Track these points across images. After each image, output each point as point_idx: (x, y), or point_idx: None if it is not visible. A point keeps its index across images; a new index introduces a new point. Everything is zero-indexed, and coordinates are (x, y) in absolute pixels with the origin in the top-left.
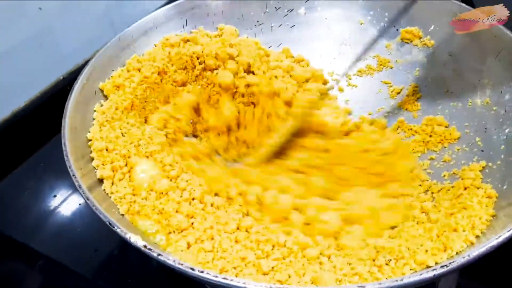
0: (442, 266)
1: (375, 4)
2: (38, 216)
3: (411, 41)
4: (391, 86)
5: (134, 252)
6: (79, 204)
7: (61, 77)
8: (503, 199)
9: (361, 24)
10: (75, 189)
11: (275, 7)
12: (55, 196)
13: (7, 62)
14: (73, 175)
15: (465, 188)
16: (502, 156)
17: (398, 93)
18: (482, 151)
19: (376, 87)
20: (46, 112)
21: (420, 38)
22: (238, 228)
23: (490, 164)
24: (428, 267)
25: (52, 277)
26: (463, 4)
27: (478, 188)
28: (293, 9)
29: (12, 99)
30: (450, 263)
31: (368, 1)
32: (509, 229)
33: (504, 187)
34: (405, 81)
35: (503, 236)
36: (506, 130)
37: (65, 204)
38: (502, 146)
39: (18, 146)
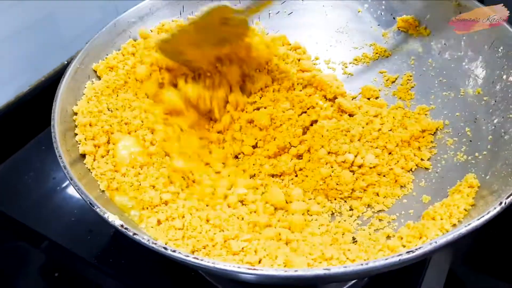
0: (408, 252)
1: None
2: (38, 197)
3: (407, 30)
4: (386, 74)
5: None
6: None
7: (65, 62)
8: (485, 189)
9: (359, 12)
10: None
11: None
12: (54, 178)
13: (11, 47)
14: (59, 156)
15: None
16: (489, 146)
17: (393, 82)
18: (471, 141)
19: (372, 75)
20: (50, 96)
21: (416, 27)
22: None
23: (476, 154)
24: None
25: (51, 256)
26: None
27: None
28: None
29: (16, 83)
30: (416, 249)
31: None
32: (479, 218)
33: (487, 177)
34: (400, 70)
35: (473, 224)
36: (495, 121)
37: (63, 186)
38: (490, 137)
39: (21, 129)
